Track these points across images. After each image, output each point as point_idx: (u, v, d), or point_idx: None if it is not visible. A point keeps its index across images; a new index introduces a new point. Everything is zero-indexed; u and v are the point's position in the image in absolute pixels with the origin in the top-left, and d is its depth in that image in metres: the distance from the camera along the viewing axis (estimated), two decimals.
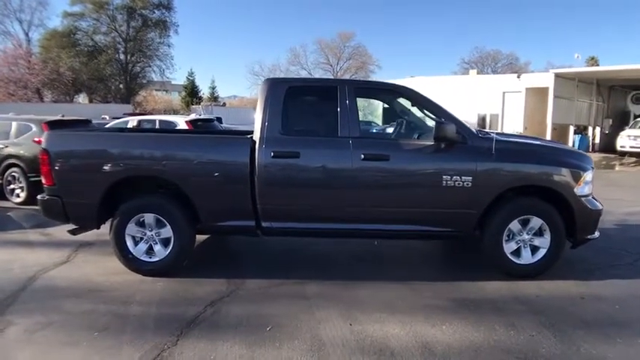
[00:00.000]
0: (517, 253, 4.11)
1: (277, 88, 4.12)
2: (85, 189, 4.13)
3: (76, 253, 4.92)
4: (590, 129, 19.59)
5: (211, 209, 4.10)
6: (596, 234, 4.20)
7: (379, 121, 20.36)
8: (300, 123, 4.12)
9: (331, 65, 51.41)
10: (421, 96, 4.19)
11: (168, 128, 9.19)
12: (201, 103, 35.66)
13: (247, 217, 4.10)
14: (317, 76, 53.26)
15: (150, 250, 4.19)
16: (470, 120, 39.15)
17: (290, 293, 3.84)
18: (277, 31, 78.52)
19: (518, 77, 37.47)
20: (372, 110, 22.25)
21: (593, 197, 4.20)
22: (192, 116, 10.75)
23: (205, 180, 4.05)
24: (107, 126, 10.28)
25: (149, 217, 4.13)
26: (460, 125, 4.00)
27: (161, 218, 4.11)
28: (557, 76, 18.47)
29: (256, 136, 4.04)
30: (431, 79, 46.17)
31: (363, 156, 3.95)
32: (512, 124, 36.92)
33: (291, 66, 51.79)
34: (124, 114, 21.40)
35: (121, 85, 40.95)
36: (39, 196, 4.30)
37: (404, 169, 4.00)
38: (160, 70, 42.26)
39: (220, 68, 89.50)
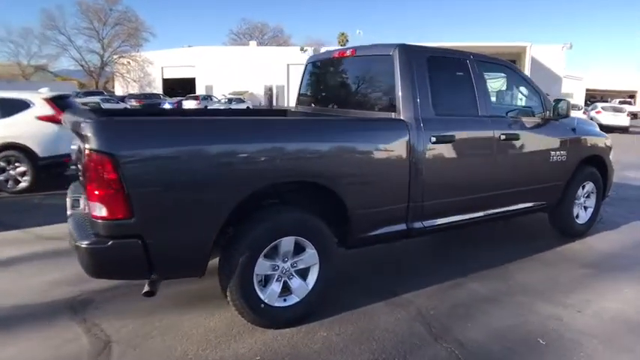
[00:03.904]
0: (576, 215, 4.70)
1: (418, 58, 3.35)
2: (194, 217, 2.44)
3: (98, 324, 2.88)
4: None
5: (368, 217, 3.09)
6: None
7: None
8: (445, 101, 3.47)
9: (97, 31, 43.90)
10: (524, 74, 4.16)
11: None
12: None
13: (400, 220, 3.28)
14: (80, 42, 45.14)
15: (284, 290, 2.87)
16: (257, 91, 40.68)
17: (483, 306, 3.29)
18: None
19: (303, 50, 40.56)
20: None
21: None
22: (44, 90, 7.31)
23: (362, 179, 3.02)
24: None
25: (287, 243, 2.79)
26: None
27: (303, 241, 2.85)
28: None
29: (405, 117, 3.22)
30: (212, 49, 45.33)
31: (504, 136, 3.70)
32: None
33: (46, 30, 42.04)
34: None
35: None
36: (85, 244, 2.28)
37: (530, 146, 3.96)
38: None
39: None
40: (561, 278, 3.72)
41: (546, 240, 4.64)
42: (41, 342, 2.70)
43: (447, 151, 3.39)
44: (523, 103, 4.19)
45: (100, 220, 2.29)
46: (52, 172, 6.99)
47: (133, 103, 29.38)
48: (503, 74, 4.22)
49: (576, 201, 4.65)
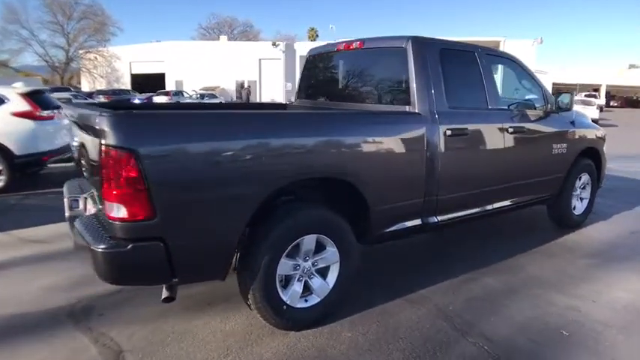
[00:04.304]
0: (573, 206, 4.78)
1: (431, 50, 3.29)
2: (219, 216, 2.30)
3: (105, 333, 2.68)
4: None
5: (387, 212, 3.01)
6: None
7: None
8: (457, 93, 3.41)
9: (61, 25, 42.37)
10: (527, 67, 4.16)
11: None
12: None
13: (415, 215, 3.23)
14: (44, 36, 43.63)
15: (304, 290, 2.76)
16: (229, 86, 39.96)
17: (501, 299, 3.32)
18: None
19: (275, 45, 40.05)
20: None
21: None
22: (19, 85, 6.83)
23: (381, 174, 2.94)
24: None
25: (309, 241, 2.69)
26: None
27: (325, 239, 2.75)
28: None
29: (420, 110, 3.16)
30: (181, 44, 44.31)
31: (512, 129, 3.70)
32: (273, 89, 39.52)
33: (8, 24, 40.53)
34: None
35: None
36: (102, 248, 2.10)
37: (535, 139, 3.98)
38: None
39: None
40: (569, 269, 3.77)
41: (545, 232, 4.71)
42: (46, 355, 2.49)
43: (460, 144, 3.35)
44: (526, 96, 4.21)
45: (118, 222, 2.11)
46: (28, 172, 6.60)
47: (102, 100, 28.35)
48: (507, 67, 4.21)
49: (574, 192, 4.73)
